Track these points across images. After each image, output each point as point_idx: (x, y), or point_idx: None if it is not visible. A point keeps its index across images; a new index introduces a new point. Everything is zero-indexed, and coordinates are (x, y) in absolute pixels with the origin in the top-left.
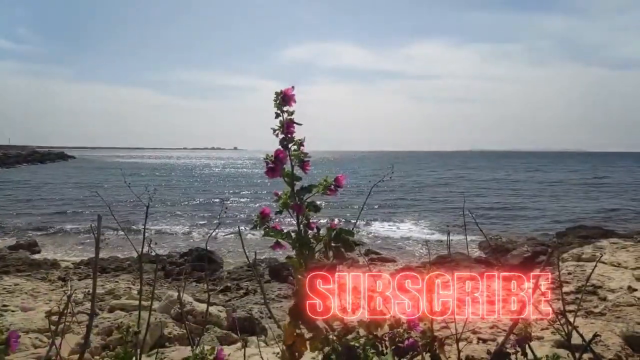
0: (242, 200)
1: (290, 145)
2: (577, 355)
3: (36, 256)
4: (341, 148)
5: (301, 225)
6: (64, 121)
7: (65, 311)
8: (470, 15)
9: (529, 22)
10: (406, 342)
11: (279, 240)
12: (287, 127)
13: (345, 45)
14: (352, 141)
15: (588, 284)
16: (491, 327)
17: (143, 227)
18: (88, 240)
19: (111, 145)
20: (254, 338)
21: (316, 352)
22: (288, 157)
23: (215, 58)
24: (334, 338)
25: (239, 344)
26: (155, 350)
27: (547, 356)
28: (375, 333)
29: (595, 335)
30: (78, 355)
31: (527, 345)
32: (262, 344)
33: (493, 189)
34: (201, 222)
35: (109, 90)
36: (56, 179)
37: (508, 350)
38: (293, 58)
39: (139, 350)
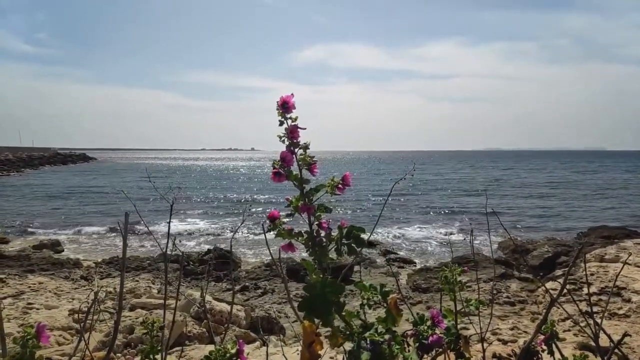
0: (262, 201)
1: (297, 150)
2: (604, 357)
3: (59, 255)
4: (355, 148)
5: (313, 226)
6: (83, 123)
7: (93, 308)
8: (485, 14)
9: (545, 20)
10: (430, 338)
11: (291, 241)
12: (291, 133)
13: (359, 45)
14: (366, 141)
15: (612, 285)
16: (511, 329)
17: (168, 225)
18: (109, 240)
19: (130, 147)
20: (272, 337)
21: (334, 352)
22: (295, 161)
23: (230, 60)
24: (357, 334)
25: (257, 343)
26: (177, 349)
27: (574, 356)
28: (394, 329)
29: (625, 335)
30: (102, 351)
31: (554, 344)
32: (281, 343)
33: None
34: (220, 222)
35: (127, 92)
36: (79, 180)
37: (536, 348)
38: (308, 59)
39: (164, 346)
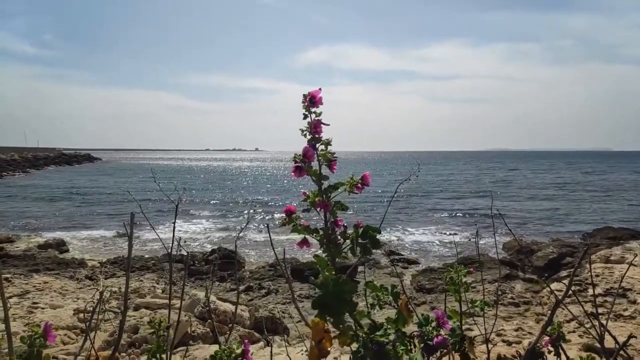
0: (266, 202)
1: (317, 145)
2: (610, 359)
3: (64, 255)
4: (357, 148)
5: (329, 223)
6: (84, 124)
7: (98, 308)
8: (486, 15)
9: (546, 21)
10: (435, 339)
11: (307, 237)
12: (314, 128)
13: (361, 47)
14: (368, 141)
15: (617, 286)
16: (516, 330)
17: (173, 225)
18: (114, 240)
19: (134, 148)
20: (276, 337)
21: (339, 353)
22: (315, 157)
23: (232, 61)
24: (363, 335)
25: (261, 343)
26: (181, 348)
27: (580, 357)
28: (403, 330)
29: (630, 337)
30: (106, 351)
31: (559, 346)
32: (285, 344)
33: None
34: (225, 223)
35: (129, 93)
36: (84, 180)
37: (542, 349)
38: (310, 60)
39: (170, 345)
